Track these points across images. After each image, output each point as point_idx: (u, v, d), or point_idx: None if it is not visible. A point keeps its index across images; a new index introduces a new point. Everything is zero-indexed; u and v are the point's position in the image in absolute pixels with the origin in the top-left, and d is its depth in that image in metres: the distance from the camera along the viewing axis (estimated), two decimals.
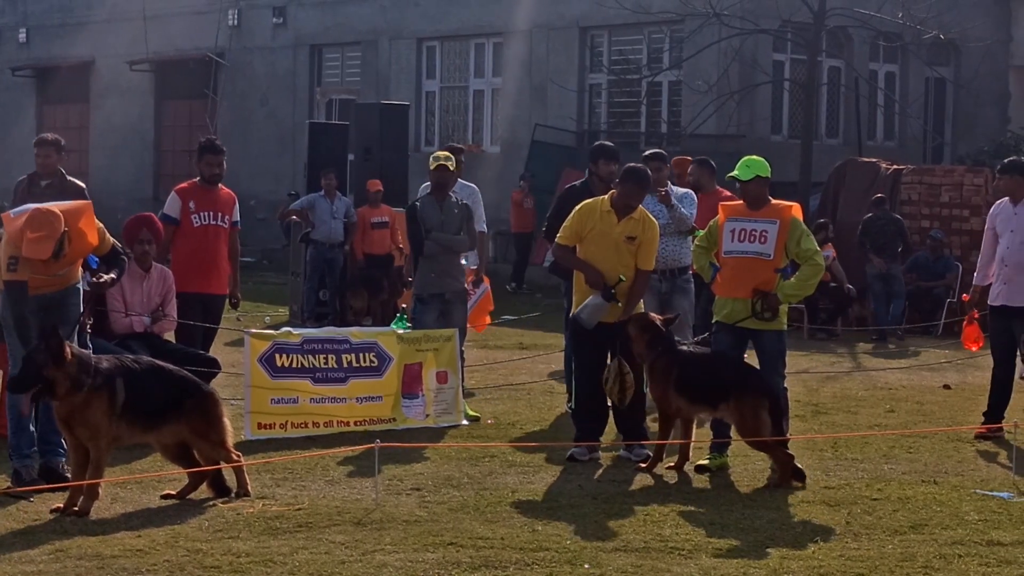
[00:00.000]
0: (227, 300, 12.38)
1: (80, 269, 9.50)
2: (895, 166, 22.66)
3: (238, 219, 12.32)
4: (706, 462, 10.27)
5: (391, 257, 20.11)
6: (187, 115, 35.72)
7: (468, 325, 13.21)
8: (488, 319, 15.27)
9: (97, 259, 9.61)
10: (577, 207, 10.81)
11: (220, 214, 12.02)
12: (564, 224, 10.81)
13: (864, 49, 28.23)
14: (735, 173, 10.34)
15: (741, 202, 10.37)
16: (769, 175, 10.31)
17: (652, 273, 11.16)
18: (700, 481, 10.05)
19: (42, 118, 39.50)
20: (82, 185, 11.92)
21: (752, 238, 10.16)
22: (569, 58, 29.11)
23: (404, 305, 13.17)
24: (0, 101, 39.90)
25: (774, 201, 10.34)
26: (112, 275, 9.50)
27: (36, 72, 38.92)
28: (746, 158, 10.47)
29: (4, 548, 7.71)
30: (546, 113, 28.84)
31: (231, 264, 12.23)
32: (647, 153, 12.59)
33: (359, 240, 20.03)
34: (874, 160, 23.13)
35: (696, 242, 10.80)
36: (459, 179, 13.23)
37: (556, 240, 10.88)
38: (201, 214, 11.94)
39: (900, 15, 26.30)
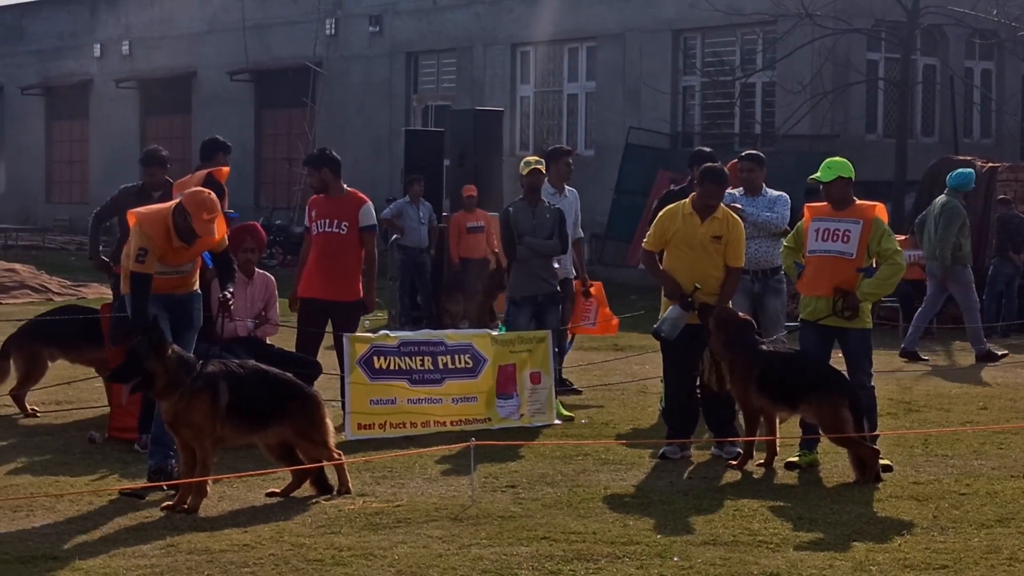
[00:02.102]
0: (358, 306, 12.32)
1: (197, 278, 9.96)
2: (990, 163, 22.59)
3: (372, 223, 12.24)
4: (796, 459, 10.44)
5: (487, 261, 20.39)
6: (286, 123, 36.33)
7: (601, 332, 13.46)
8: (615, 319, 15.36)
9: (211, 257, 10.09)
10: (660, 213, 11.03)
11: (339, 221, 12.25)
12: (649, 230, 11.04)
13: (959, 46, 28.14)
14: (817, 175, 10.49)
15: (826, 203, 10.52)
16: (852, 176, 10.44)
17: (744, 273, 11.35)
18: (789, 477, 10.22)
19: (145, 128, 40.34)
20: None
21: (835, 237, 10.33)
22: (662, 61, 29.28)
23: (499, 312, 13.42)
24: (104, 112, 40.79)
25: (859, 201, 10.48)
26: (231, 290, 10.04)
27: (139, 84, 39.72)
28: (828, 160, 10.62)
29: (118, 543, 8.08)
30: (640, 116, 29.03)
31: (366, 269, 12.21)
32: (743, 154, 12.71)
33: (455, 244, 20.35)
34: (969, 158, 23.06)
35: (784, 242, 10.97)
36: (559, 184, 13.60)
37: (643, 245, 11.11)
38: (321, 222, 12.23)
39: (995, 12, 26.21)
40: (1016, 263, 20.40)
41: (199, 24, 37.59)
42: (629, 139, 28.11)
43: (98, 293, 24.04)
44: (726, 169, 11.44)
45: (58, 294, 24.40)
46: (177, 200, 9.65)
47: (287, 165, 35.73)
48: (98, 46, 40.83)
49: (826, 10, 25.40)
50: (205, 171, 11.17)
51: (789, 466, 10.38)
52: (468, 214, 20.35)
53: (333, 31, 34.96)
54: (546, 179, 13.24)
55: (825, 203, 10.53)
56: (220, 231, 9.74)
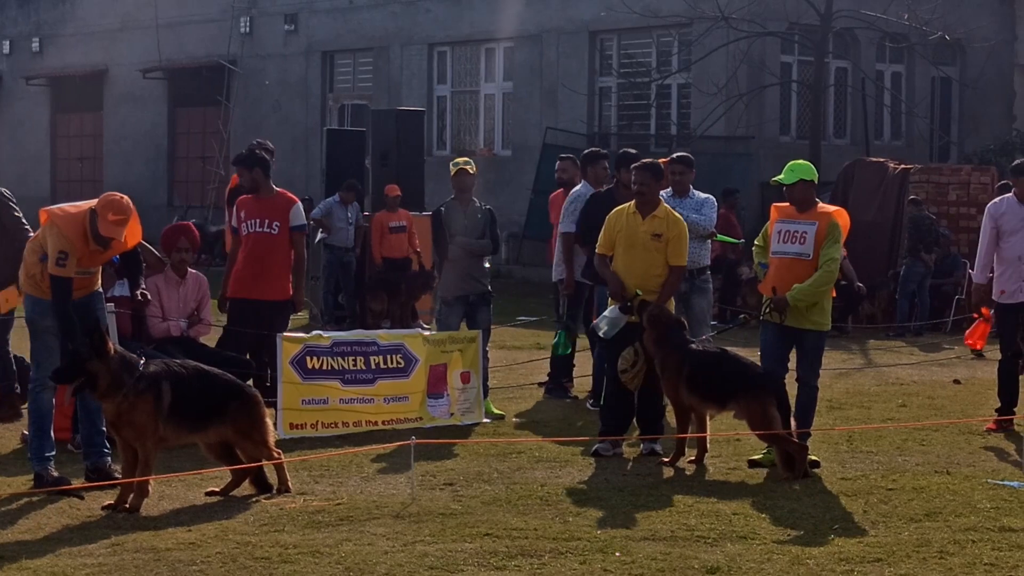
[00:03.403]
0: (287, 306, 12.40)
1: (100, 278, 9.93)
2: (903, 165, 23.00)
3: (302, 223, 12.34)
4: (759, 457, 10.59)
5: (408, 260, 20.48)
6: (201, 122, 36.11)
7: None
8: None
9: (118, 257, 10.11)
10: (608, 215, 11.20)
11: (268, 220, 12.28)
12: (600, 234, 11.20)
13: (871, 50, 28.59)
14: (780, 178, 10.67)
15: (790, 204, 10.71)
16: (814, 178, 10.64)
17: None
18: (721, 474, 10.41)
19: (56, 126, 39.94)
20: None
21: (794, 239, 10.55)
22: (579, 61, 29.47)
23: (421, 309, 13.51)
24: (15, 110, 40.31)
25: (820, 205, 10.68)
26: (145, 290, 10.12)
27: (50, 81, 39.30)
28: (791, 163, 10.80)
29: (63, 542, 8.10)
30: (557, 116, 29.20)
31: (294, 269, 12.27)
32: (673, 156, 12.89)
33: (377, 244, 20.40)
34: (882, 160, 23.46)
35: (755, 242, 11.15)
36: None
37: (596, 250, 11.25)
38: (250, 222, 12.26)
39: (906, 16, 26.68)
40: (928, 263, 20.84)
41: (111, 21, 37.24)
42: (546, 139, 28.27)
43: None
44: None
45: None
46: (93, 202, 9.59)
47: (201, 163, 35.54)
48: (7, 42, 40.32)
49: (741, 13, 25.71)
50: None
51: (752, 464, 10.54)
52: (391, 214, 20.41)
53: (248, 29, 34.81)
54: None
55: (789, 204, 10.72)
56: (133, 237, 9.65)
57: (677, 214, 11.23)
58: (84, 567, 7.59)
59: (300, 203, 12.52)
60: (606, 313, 10.97)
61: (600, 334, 10.97)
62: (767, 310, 10.58)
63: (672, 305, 11.11)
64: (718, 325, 12.67)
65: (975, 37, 28.28)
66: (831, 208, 10.81)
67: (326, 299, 20.54)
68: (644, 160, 11.44)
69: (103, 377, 8.85)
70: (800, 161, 10.85)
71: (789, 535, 8.51)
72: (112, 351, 8.92)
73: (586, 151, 14.61)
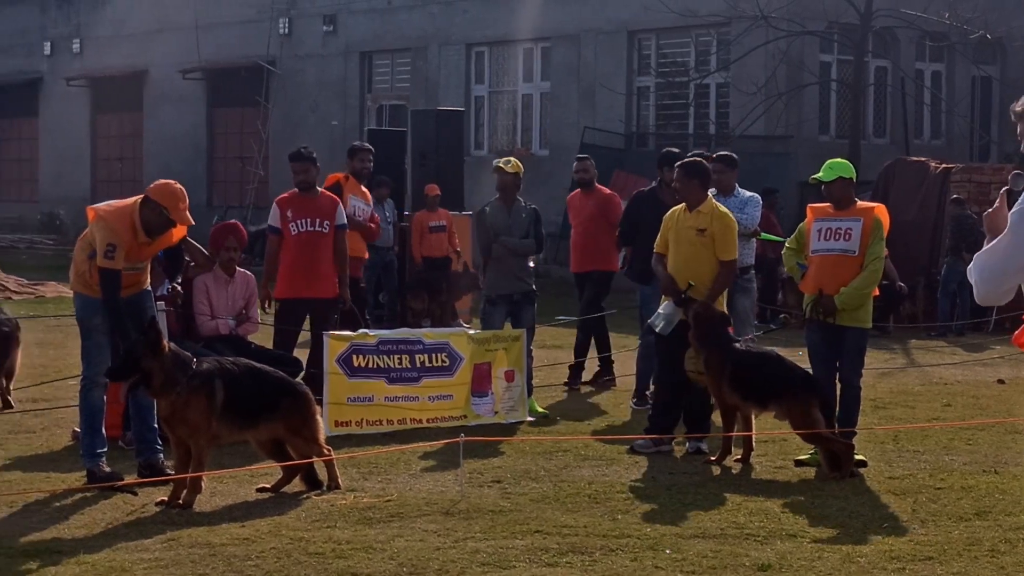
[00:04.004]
0: (336, 303, 12.59)
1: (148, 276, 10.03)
2: (944, 165, 22.94)
3: (343, 222, 12.57)
4: (805, 457, 10.59)
5: (448, 260, 20.53)
6: (239, 122, 36.30)
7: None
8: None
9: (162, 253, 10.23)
10: (664, 215, 11.25)
11: (319, 220, 12.39)
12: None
13: (910, 49, 28.54)
14: (819, 176, 10.68)
15: (828, 204, 10.71)
16: (853, 176, 10.64)
17: None
18: (768, 473, 10.43)
19: (96, 127, 40.20)
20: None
21: (838, 236, 10.52)
22: (617, 61, 29.50)
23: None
24: (55, 110, 40.59)
25: (860, 202, 10.68)
26: (178, 285, 10.36)
27: (90, 82, 39.56)
28: (830, 161, 10.80)
29: (119, 537, 8.18)
30: (595, 116, 29.23)
31: (338, 266, 12.50)
32: (716, 155, 12.91)
33: (417, 243, 20.46)
34: (923, 159, 23.41)
35: (787, 244, 11.16)
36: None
37: (654, 248, 11.29)
38: (299, 222, 12.36)
39: (946, 15, 26.62)
40: (969, 263, 20.71)
41: (151, 22, 37.47)
42: (584, 139, 28.30)
43: (56, 292, 24.01)
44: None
45: (16, 292, 24.29)
46: (141, 195, 9.69)
47: (240, 164, 35.71)
48: (48, 44, 40.63)
49: (780, 12, 25.71)
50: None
51: (799, 464, 10.55)
52: (430, 213, 20.46)
53: (287, 30, 34.98)
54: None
55: (827, 204, 10.72)
56: (179, 231, 9.80)
57: (724, 209, 11.24)
58: (141, 562, 7.66)
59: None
60: (661, 309, 11.00)
61: (656, 330, 10.99)
62: (813, 310, 10.57)
63: (722, 302, 11.10)
64: (759, 325, 12.67)
65: (1016, 36, 28.21)
66: (872, 204, 10.80)
67: (368, 299, 20.58)
68: (684, 160, 11.49)
69: (157, 375, 8.93)
70: (839, 159, 10.85)
71: (838, 533, 8.52)
72: (166, 348, 9.01)
73: (663, 151, 14.57)
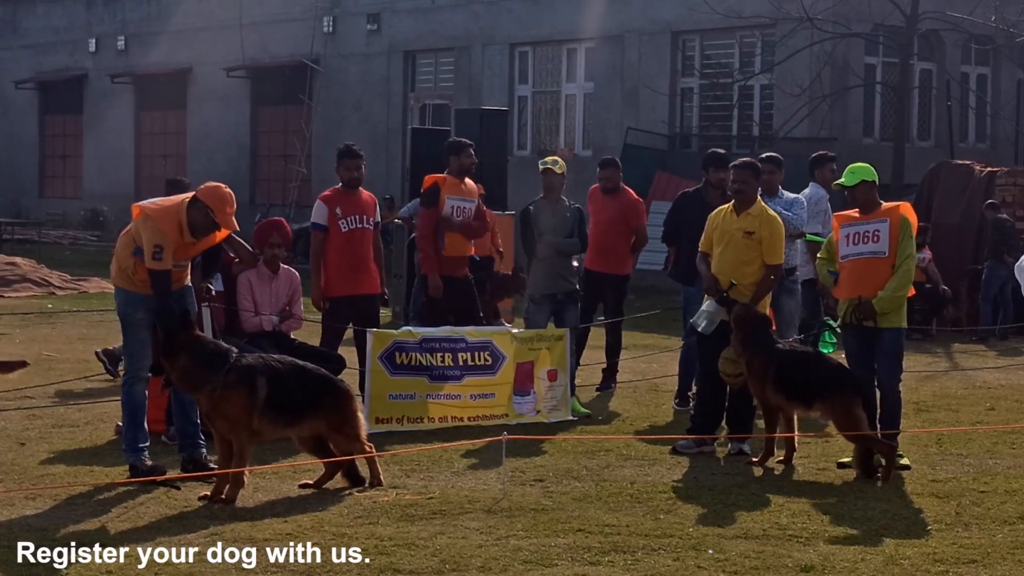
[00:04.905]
0: (379, 299, 12.62)
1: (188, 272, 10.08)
2: (989, 168, 22.80)
3: (379, 219, 12.65)
4: (848, 460, 10.54)
5: (491, 260, 20.51)
6: (282, 121, 36.40)
7: None
8: None
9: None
10: (709, 216, 11.22)
11: (365, 216, 12.44)
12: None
13: (956, 52, 28.36)
14: (841, 181, 10.66)
15: (852, 209, 10.68)
16: (875, 179, 10.62)
17: None
18: (811, 475, 10.39)
19: (140, 124, 40.41)
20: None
21: (866, 239, 10.50)
22: (661, 62, 29.43)
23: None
24: (100, 107, 40.82)
25: (884, 204, 10.66)
26: (211, 283, 10.48)
27: (134, 79, 39.77)
28: (851, 165, 10.79)
29: (163, 531, 8.23)
30: (638, 117, 29.17)
31: (377, 264, 12.55)
32: (761, 156, 12.87)
33: None
34: (968, 162, 23.28)
35: (819, 255, 11.13)
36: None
37: (699, 247, 11.26)
38: (348, 219, 12.38)
39: (992, 18, 26.44)
40: (1011, 266, 20.60)
41: (196, 20, 37.64)
42: (627, 140, 28.24)
43: (99, 288, 24.15)
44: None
45: (59, 288, 24.45)
46: (190, 195, 9.74)
47: (283, 162, 35.83)
48: (93, 41, 40.84)
49: (825, 14, 25.60)
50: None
51: (841, 466, 10.51)
52: None
53: (331, 29, 35.07)
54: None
55: (850, 211, 10.70)
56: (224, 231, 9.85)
57: (773, 212, 11.20)
58: (184, 555, 7.69)
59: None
60: (704, 308, 10.98)
61: (699, 330, 10.97)
62: (852, 315, 10.52)
63: (765, 304, 11.07)
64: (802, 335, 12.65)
65: None
66: (896, 204, 10.76)
67: (416, 297, 20.59)
68: (743, 159, 11.43)
69: (185, 370, 8.98)
70: (860, 164, 10.82)
71: (882, 535, 8.49)
72: (195, 344, 9.03)
73: (815, 154, 14.46)
